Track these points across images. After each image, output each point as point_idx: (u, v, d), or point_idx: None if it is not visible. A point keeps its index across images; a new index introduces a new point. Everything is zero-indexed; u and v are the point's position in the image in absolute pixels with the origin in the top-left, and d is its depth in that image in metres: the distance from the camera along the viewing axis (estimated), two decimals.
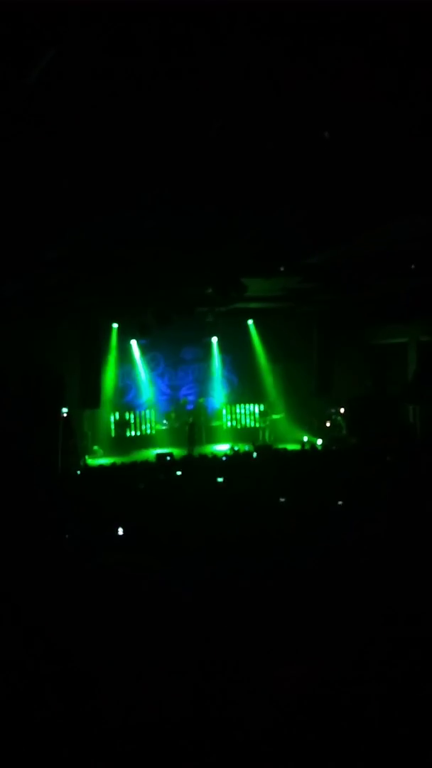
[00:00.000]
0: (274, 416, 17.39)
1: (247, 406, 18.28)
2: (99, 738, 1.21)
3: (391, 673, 1.39)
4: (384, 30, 3.50)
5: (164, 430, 17.29)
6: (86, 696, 1.28)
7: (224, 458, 12.79)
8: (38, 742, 1.22)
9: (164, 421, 17.41)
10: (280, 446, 15.11)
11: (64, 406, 13.04)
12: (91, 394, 14.22)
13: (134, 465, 12.05)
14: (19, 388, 12.05)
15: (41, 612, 1.55)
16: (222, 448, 16.30)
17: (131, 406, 17.28)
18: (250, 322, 17.19)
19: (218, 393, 18.14)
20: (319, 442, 15.85)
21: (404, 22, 3.43)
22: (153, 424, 17.46)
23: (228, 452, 14.71)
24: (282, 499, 7.25)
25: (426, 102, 4.38)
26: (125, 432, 16.90)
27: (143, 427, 17.38)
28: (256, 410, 18.09)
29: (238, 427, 18.14)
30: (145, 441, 16.99)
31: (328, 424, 16.56)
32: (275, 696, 1.39)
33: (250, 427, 18.00)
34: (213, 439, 17.43)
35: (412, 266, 10.37)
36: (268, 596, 2.36)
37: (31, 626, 1.52)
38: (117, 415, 16.93)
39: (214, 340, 17.64)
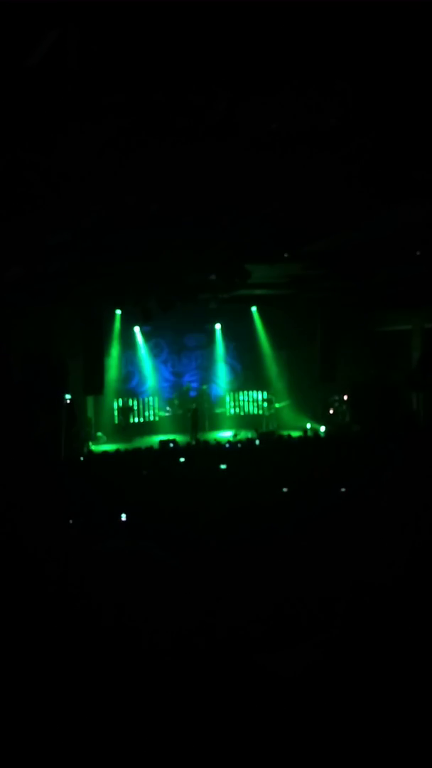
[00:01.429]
0: (277, 405, 17.38)
1: (250, 393, 18.27)
2: (100, 724, 1.23)
3: (395, 654, 1.41)
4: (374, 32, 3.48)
5: (167, 416, 17.32)
6: (89, 680, 1.30)
7: (227, 445, 12.83)
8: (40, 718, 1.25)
9: (167, 408, 17.44)
10: (284, 433, 15.13)
11: (68, 393, 13.07)
12: (94, 381, 14.24)
13: (137, 451, 12.10)
14: (22, 374, 12.07)
15: (46, 594, 1.57)
16: (225, 435, 16.34)
17: (134, 393, 17.30)
18: (253, 308, 17.13)
19: (221, 380, 18.13)
20: (322, 429, 15.86)
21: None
22: (156, 411, 17.48)
23: (231, 439, 14.75)
24: (284, 489, 7.27)
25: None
26: (128, 418, 16.94)
27: (146, 413, 17.41)
28: (260, 397, 18.08)
29: (241, 414, 18.15)
30: (148, 427, 17.03)
31: (331, 411, 16.56)
32: (281, 678, 1.41)
33: (254, 414, 18.00)
34: (216, 426, 17.45)
35: (417, 253, 10.32)
36: (271, 580, 2.38)
37: (35, 607, 1.54)
38: (120, 401, 16.96)
39: (218, 326, 17.60)
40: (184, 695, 1.27)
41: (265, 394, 17.65)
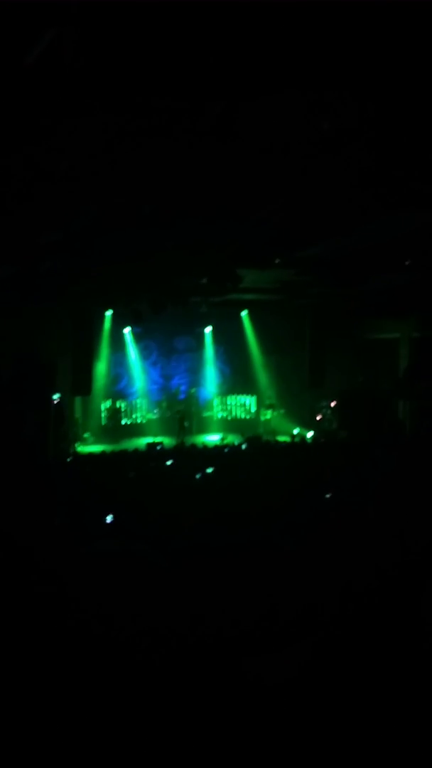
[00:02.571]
0: (281, 410, 17.38)
1: (238, 397, 18.30)
2: (95, 725, 1.24)
3: (385, 659, 1.43)
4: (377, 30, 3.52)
5: (155, 419, 17.29)
6: (80, 681, 1.30)
7: (214, 449, 12.84)
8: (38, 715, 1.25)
9: (155, 410, 17.41)
10: (277, 438, 15.17)
11: (56, 393, 13.02)
12: (82, 382, 14.20)
13: (125, 453, 12.07)
14: (10, 373, 12.01)
15: (31, 594, 1.57)
16: (212, 438, 16.34)
17: (123, 395, 17.26)
18: (243, 313, 17.18)
19: (210, 383, 18.15)
20: (309, 434, 15.92)
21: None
22: (144, 413, 17.45)
23: (218, 443, 14.76)
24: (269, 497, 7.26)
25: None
26: (116, 420, 16.89)
27: (134, 415, 17.37)
28: (247, 402, 18.13)
29: (229, 418, 18.18)
30: (136, 429, 16.99)
31: (318, 418, 16.63)
32: (272, 682, 1.42)
33: (242, 419, 18.04)
34: (204, 430, 17.46)
35: (407, 262, 10.41)
36: (257, 584, 2.39)
37: (22, 608, 1.55)
38: (108, 403, 16.91)
39: (208, 330, 17.62)
40: (174, 700, 1.28)
41: (267, 400, 17.62)
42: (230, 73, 4.11)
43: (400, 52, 3.78)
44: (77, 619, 1.49)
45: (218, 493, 7.42)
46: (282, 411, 17.43)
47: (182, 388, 17.71)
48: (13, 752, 1.23)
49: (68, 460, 12.05)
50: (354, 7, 3.28)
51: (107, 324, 16.18)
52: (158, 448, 13.15)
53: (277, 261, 10.72)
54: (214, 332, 17.68)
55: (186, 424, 16.31)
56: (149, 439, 14.70)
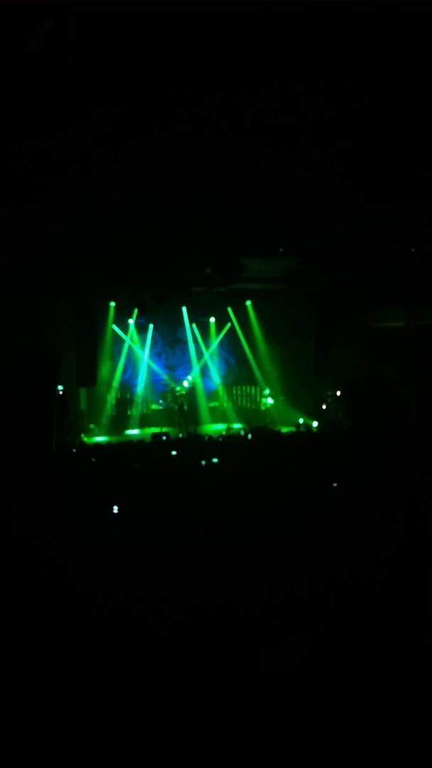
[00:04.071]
0: (275, 400, 17.36)
1: (243, 387, 18.26)
2: (97, 729, 1.23)
3: (388, 647, 1.42)
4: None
5: (160, 409, 17.29)
6: (82, 679, 1.30)
7: (220, 439, 12.85)
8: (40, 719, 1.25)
9: (160, 401, 17.41)
10: (281, 429, 15.16)
11: (60, 384, 13.03)
12: (87, 373, 14.20)
13: (130, 444, 12.09)
14: (14, 365, 12.03)
15: (36, 585, 1.57)
16: (218, 428, 16.34)
17: (128, 385, 17.25)
18: (248, 303, 17.10)
19: (215, 374, 18.11)
20: (315, 424, 15.89)
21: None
22: (149, 404, 17.45)
23: (223, 432, 14.76)
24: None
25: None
26: (121, 411, 16.89)
27: (139, 406, 17.37)
28: (252, 391, 18.10)
29: (234, 408, 18.16)
30: (141, 420, 17.00)
31: (324, 407, 16.58)
32: (273, 674, 1.42)
33: (247, 408, 18.01)
34: (209, 420, 17.44)
35: (412, 250, 10.34)
36: (263, 573, 2.39)
37: (26, 600, 1.54)
38: (113, 393, 16.91)
39: (212, 320, 17.56)
40: (179, 689, 1.28)
41: (267, 390, 17.59)
42: (231, 63, 4.08)
43: (398, 43, 3.73)
44: (80, 609, 1.48)
45: (223, 482, 7.43)
46: (281, 398, 17.38)
47: (187, 378, 17.67)
48: (18, 739, 1.24)
49: (73, 451, 12.09)
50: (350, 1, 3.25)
51: (111, 315, 16.14)
52: (163, 438, 13.16)
53: (281, 250, 10.67)
54: (219, 322, 17.62)
55: (186, 408, 16.24)
56: (154, 430, 14.71)
